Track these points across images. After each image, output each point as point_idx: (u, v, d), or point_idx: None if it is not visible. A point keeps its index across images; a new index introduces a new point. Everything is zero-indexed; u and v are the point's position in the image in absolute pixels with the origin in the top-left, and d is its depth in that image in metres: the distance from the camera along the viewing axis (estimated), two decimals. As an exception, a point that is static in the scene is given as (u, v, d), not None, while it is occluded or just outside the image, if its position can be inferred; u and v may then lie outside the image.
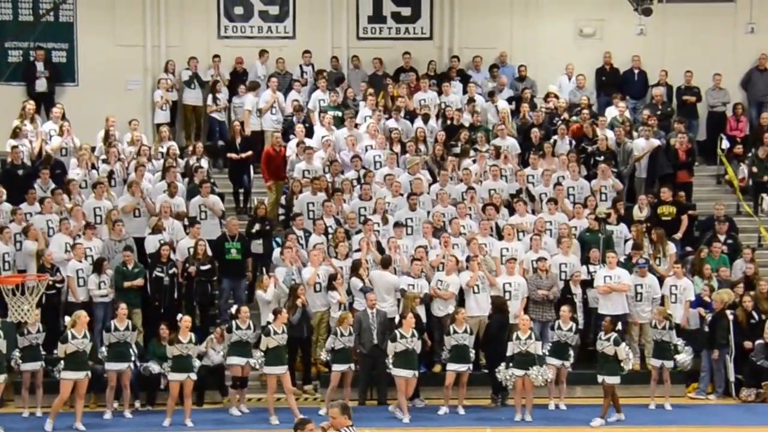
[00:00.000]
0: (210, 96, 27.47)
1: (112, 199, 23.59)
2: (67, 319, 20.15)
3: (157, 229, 22.86)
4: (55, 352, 20.10)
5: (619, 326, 20.87)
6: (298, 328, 21.16)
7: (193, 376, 20.12)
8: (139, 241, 22.93)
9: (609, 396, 20.15)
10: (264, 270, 22.76)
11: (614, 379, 20.15)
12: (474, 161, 25.16)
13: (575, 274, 22.37)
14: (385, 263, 21.97)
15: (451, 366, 20.71)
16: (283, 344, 20.35)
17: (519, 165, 25.42)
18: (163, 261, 22.12)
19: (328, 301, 21.90)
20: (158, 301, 22.08)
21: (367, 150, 25.48)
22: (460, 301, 21.93)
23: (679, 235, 24.39)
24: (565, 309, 21.11)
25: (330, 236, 22.90)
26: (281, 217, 24.39)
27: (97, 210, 23.27)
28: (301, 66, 28.42)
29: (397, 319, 20.82)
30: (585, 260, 22.86)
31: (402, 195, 23.93)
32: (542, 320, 21.89)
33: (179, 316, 20.68)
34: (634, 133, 26.57)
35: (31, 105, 25.87)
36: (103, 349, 20.40)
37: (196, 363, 20.23)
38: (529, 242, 22.93)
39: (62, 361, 19.65)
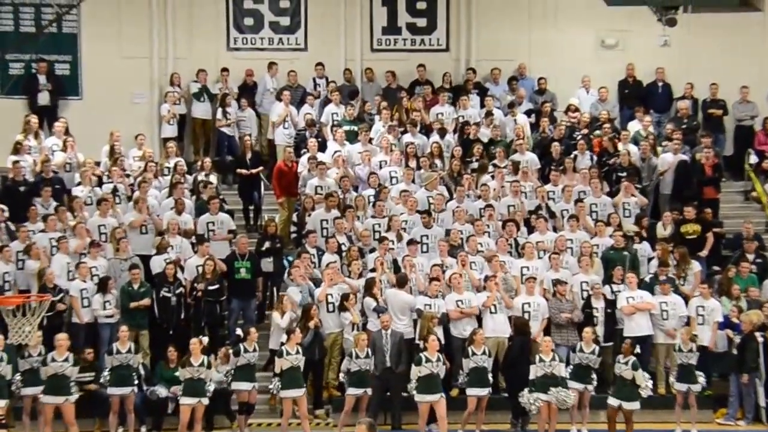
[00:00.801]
0: (219, 110, 27.31)
1: (117, 216, 23.43)
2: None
3: (162, 248, 22.66)
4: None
5: (638, 349, 20.67)
6: (310, 351, 20.90)
7: (205, 401, 20.02)
8: (145, 260, 22.74)
9: (630, 422, 20.01)
10: (275, 290, 22.55)
11: (632, 405, 20.00)
12: (492, 177, 24.95)
13: (595, 286, 22.09)
14: (401, 282, 21.74)
15: (470, 391, 20.46)
16: (298, 365, 20.16)
17: (539, 181, 25.21)
18: (169, 280, 21.93)
19: (341, 322, 21.68)
20: (166, 323, 21.88)
21: (381, 166, 25.29)
22: (478, 321, 21.72)
23: (704, 253, 24.10)
24: (588, 331, 20.89)
25: (343, 255, 22.70)
26: (293, 235, 24.18)
27: (102, 228, 23.08)
28: (314, 79, 28.27)
29: (419, 342, 20.64)
30: (608, 279, 22.60)
31: (418, 212, 23.73)
32: (567, 345, 21.52)
33: (196, 338, 20.51)
34: (659, 148, 26.35)
35: (34, 119, 25.76)
36: (106, 372, 20.30)
37: (210, 387, 20.10)
38: (550, 262, 22.71)
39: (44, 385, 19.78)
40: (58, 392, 19.65)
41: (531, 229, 23.82)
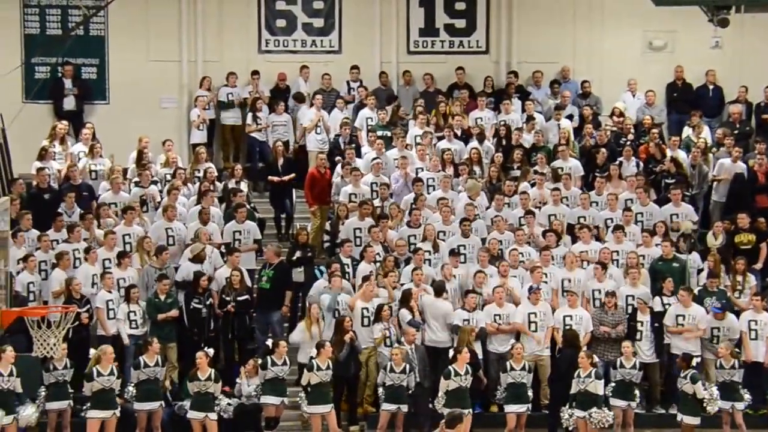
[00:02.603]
0: (249, 114, 27.47)
1: (144, 224, 23.63)
2: (92, 352, 20.26)
3: (198, 259, 22.70)
4: (83, 390, 20.28)
5: (695, 362, 20.69)
6: (345, 366, 21.07)
7: (212, 416, 20.21)
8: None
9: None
10: (308, 302, 22.61)
11: (693, 420, 20.18)
12: (532, 184, 24.98)
13: (638, 300, 22.06)
14: (438, 290, 21.82)
15: (509, 407, 20.62)
16: (327, 381, 20.34)
17: (582, 188, 25.21)
18: (200, 291, 22.09)
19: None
20: (196, 335, 22.03)
21: (418, 172, 25.36)
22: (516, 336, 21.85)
23: (759, 266, 23.99)
24: (627, 344, 20.95)
25: (378, 265, 22.80)
26: (326, 244, 24.29)
27: (127, 237, 23.17)
28: (348, 82, 28.40)
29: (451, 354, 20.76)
30: (657, 292, 22.52)
31: (453, 221, 23.77)
32: (606, 360, 21.55)
33: (201, 351, 20.71)
34: (709, 154, 26.28)
35: (63, 125, 25.90)
36: (131, 388, 20.48)
37: (223, 403, 20.36)
38: (593, 272, 22.70)
39: (89, 400, 19.86)
40: (106, 406, 19.91)
41: (574, 239, 23.84)
